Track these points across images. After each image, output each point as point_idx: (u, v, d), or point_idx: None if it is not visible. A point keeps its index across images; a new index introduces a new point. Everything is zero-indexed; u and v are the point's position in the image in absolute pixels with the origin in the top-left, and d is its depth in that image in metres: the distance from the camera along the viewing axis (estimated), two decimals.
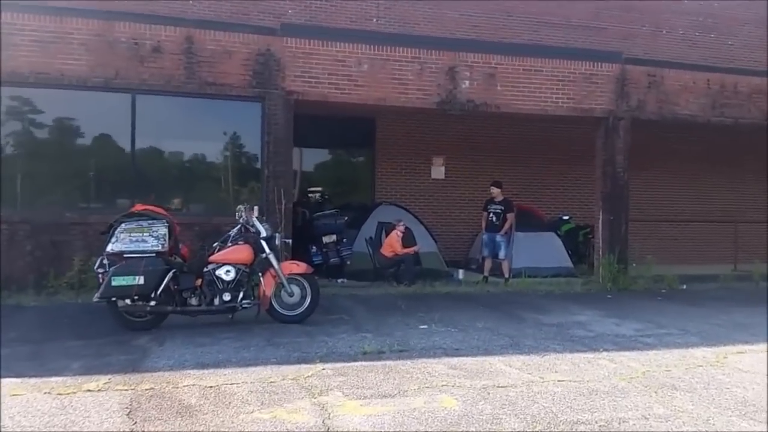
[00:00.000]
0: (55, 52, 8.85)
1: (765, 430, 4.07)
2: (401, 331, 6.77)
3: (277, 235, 7.33)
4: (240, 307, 6.77)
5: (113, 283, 6.26)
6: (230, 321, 6.80)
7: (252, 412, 4.15)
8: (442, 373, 5.13)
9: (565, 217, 13.35)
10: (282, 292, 7.03)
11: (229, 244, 6.94)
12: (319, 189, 12.46)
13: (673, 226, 14.52)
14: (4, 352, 5.52)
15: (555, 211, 13.70)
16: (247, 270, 6.87)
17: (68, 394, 4.47)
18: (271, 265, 6.93)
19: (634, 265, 11.28)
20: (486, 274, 10.87)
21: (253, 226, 7.02)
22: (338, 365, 5.31)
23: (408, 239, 10.67)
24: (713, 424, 4.11)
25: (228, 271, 6.71)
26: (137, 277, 6.28)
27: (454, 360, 5.57)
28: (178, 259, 6.86)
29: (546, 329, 7.08)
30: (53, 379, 4.80)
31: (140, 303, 6.45)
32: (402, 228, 10.60)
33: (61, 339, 6.13)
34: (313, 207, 11.52)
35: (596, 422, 4.09)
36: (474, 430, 3.93)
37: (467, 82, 10.46)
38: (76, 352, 5.61)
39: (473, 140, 13.52)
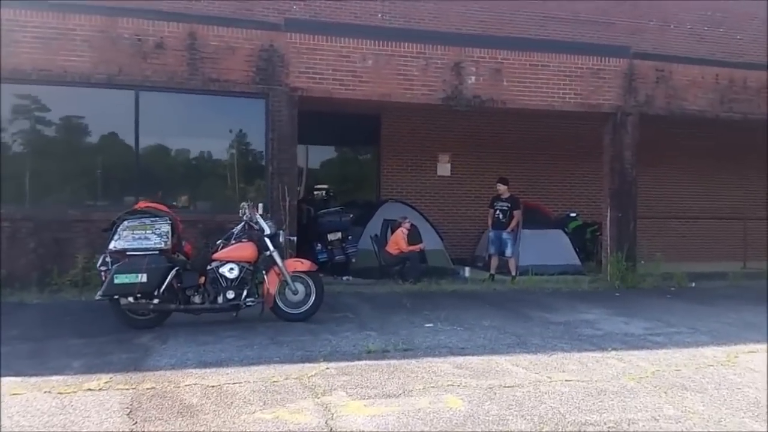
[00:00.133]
0: (58, 48, 8.81)
1: (765, 429, 3.98)
2: (406, 329, 6.69)
3: (281, 232, 7.26)
4: (244, 305, 6.71)
5: (116, 281, 6.20)
6: (234, 319, 6.74)
7: (254, 413, 4.08)
8: (447, 373, 5.05)
9: (573, 214, 13.26)
10: (286, 290, 6.96)
11: (233, 242, 6.88)
12: (325, 186, 12.40)
13: (682, 223, 14.40)
14: (5, 350, 5.48)
15: (562, 208, 13.61)
16: (251, 268, 6.80)
17: (68, 393, 4.41)
18: (275, 263, 6.87)
19: (642, 262, 11.17)
20: (492, 271, 10.79)
21: (257, 223, 6.96)
22: (342, 364, 5.23)
23: (413, 236, 10.60)
24: (725, 426, 4.02)
25: (231, 268, 6.65)
26: (140, 275, 6.22)
27: (460, 359, 5.48)
28: (181, 257, 6.81)
29: (553, 328, 6.98)
30: (54, 377, 4.75)
31: (143, 301, 6.39)
32: (407, 225, 10.53)
33: (62, 337, 6.08)
34: (319, 204, 11.46)
35: (605, 423, 4.00)
36: (480, 431, 3.84)
37: (473, 78, 10.37)
38: (78, 351, 5.56)
39: (479, 137, 13.43)
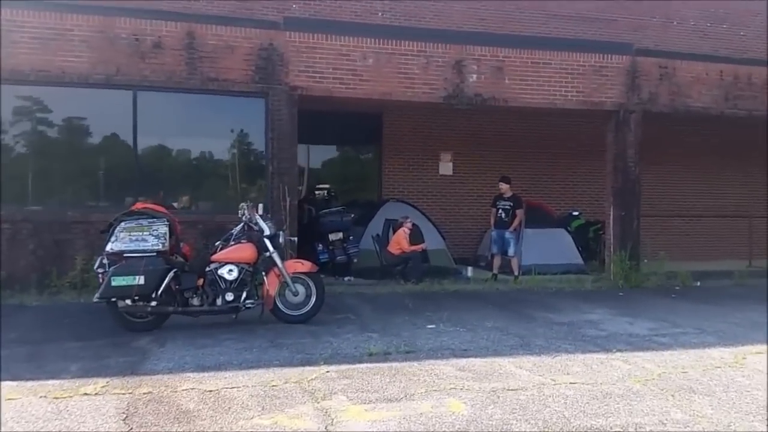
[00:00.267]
0: (56, 49, 8.74)
1: (766, 429, 3.90)
2: (408, 331, 6.61)
3: (281, 233, 7.17)
4: (243, 307, 6.62)
5: (113, 284, 6.13)
6: (233, 321, 6.66)
7: (252, 418, 4.00)
8: (450, 376, 4.96)
9: (576, 213, 13.16)
10: (286, 291, 6.87)
11: (232, 243, 6.79)
12: (326, 186, 12.34)
13: (686, 221, 14.28)
14: (3, 354, 5.40)
15: (565, 207, 13.50)
16: (251, 269, 6.72)
17: (64, 398, 4.34)
18: (275, 264, 6.78)
19: (646, 261, 11.08)
20: (495, 271, 10.71)
21: (256, 224, 6.87)
22: (343, 367, 5.15)
23: (415, 236, 10.53)
24: (735, 430, 3.92)
25: (231, 270, 6.56)
26: (137, 277, 6.14)
27: (463, 361, 5.40)
28: (180, 259, 6.74)
29: (557, 328, 6.89)
30: (50, 382, 4.68)
31: (141, 303, 6.32)
32: (409, 225, 10.45)
33: (60, 340, 6.01)
34: (320, 204, 11.39)
35: (611, 428, 3.91)
36: None
37: (474, 76, 10.28)
38: (75, 354, 5.49)
39: (481, 135, 13.34)
